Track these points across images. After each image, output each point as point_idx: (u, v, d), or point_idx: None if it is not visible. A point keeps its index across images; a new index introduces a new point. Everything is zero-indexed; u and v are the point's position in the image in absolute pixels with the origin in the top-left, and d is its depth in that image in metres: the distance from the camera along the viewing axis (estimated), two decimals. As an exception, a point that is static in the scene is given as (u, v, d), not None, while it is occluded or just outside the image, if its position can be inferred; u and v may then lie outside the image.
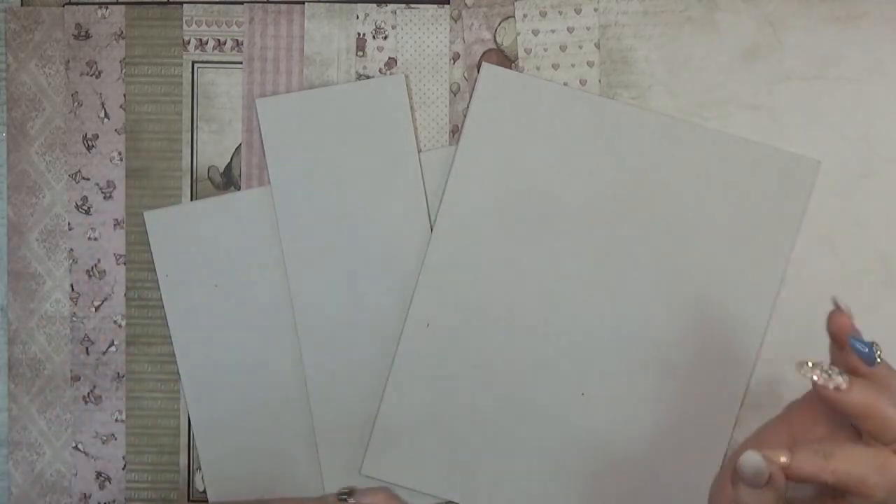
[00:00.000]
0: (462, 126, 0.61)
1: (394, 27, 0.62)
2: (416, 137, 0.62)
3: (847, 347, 0.45)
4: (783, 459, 0.42)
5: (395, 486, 0.60)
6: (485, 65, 0.61)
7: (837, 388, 0.43)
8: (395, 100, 0.61)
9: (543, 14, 0.62)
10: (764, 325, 0.60)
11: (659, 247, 0.60)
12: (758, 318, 0.60)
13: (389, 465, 0.60)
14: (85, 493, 0.62)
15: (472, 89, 0.60)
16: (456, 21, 0.62)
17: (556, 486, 0.60)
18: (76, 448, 0.62)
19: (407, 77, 0.62)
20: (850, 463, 0.41)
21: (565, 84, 0.61)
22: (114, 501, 0.63)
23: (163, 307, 0.62)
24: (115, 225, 0.63)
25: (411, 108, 0.62)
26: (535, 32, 0.62)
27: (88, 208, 0.62)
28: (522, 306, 0.60)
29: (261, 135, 0.61)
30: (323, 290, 0.61)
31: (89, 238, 0.63)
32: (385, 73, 0.62)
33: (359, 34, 0.62)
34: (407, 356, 0.60)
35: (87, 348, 0.63)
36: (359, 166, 0.61)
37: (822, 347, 0.61)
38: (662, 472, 0.60)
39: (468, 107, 0.60)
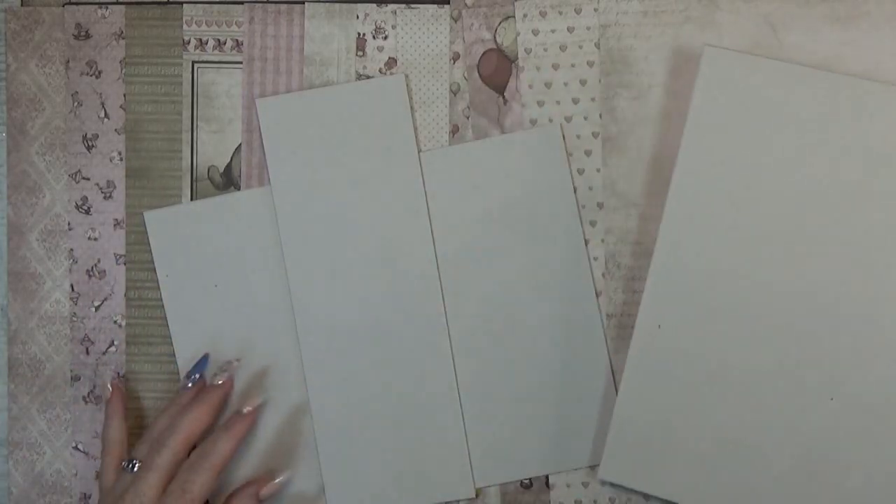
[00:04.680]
0: (687, 116, 0.57)
1: (394, 27, 0.62)
2: (416, 137, 0.62)
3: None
4: None
5: (633, 491, 0.59)
6: (707, 48, 0.56)
7: None
8: (395, 100, 0.61)
9: (543, 14, 0.62)
10: None
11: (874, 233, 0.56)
12: None
13: (627, 470, 0.57)
14: (85, 493, 0.62)
15: (696, 75, 0.56)
16: (456, 21, 0.62)
17: (803, 501, 0.56)
18: (76, 448, 0.62)
19: (407, 77, 0.62)
20: None
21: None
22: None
23: (163, 307, 0.62)
24: (115, 225, 0.63)
25: (411, 108, 0.62)
26: (535, 32, 0.62)
27: (88, 208, 0.62)
28: (761, 305, 0.56)
29: (261, 135, 0.61)
30: (323, 289, 0.61)
31: (89, 238, 0.63)
32: (385, 73, 0.62)
33: (359, 34, 0.62)
34: (640, 359, 0.57)
35: (87, 348, 0.63)
36: (359, 166, 0.61)
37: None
38: None
39: (693, 95, 0.56)
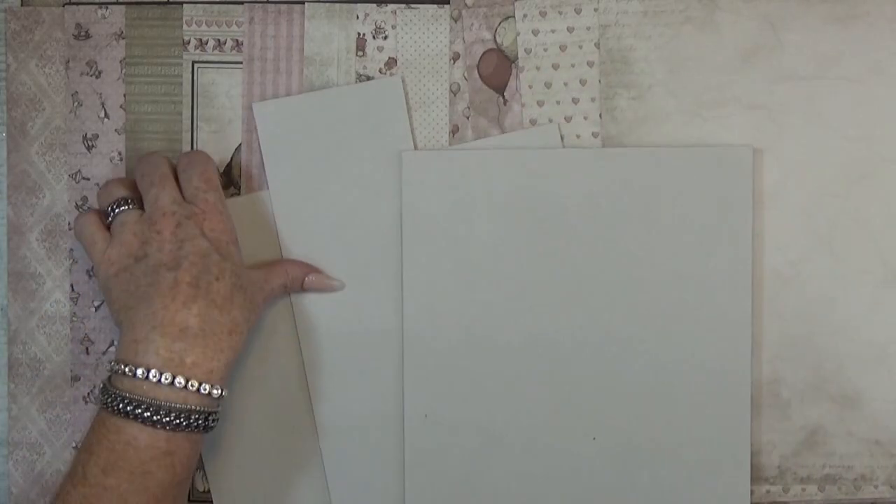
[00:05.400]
0: (401, 218, 0.60)
1: (394, 27, 0.62)
2: (414, 139, 0.62)
3: None
4: None
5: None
6: (404, 153, 0.60)
7: None
8: (393, 102, 0.61)
9: (543, 14, 0.62)
10: (748, 322, 0.60)
11: (629, 275, 0.60)
12: (741, 322, 0.60)
13: None
14: (85, 493, 0.62)
15: (401, 178, 0.60)
16: (456, 21, 0.62)
17: None
18: (76, 448, 0.62)
19: (404, 80, 0.62)
20: None
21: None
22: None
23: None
24: (115, 225, 0.62)
25: (408, 109, 0.62)
26: (535, 32, 0.62)
27: (88, 208, 0.62)
28: (514, 368, 0.60)
29: (258, 139, 0.61)
30: (323, 294, 0.61)
31: (89, 238, 0.62)
32: (385, 73, 0.62)
33: (359, 34, 0.62)
34: (415, 449, 0.60)
35: (87, 348, 0.63)
36: (357, 169, 0.61)
37: (823, 346, 0.61)
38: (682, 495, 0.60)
39: (402, 195, 0.60)
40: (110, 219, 0.57)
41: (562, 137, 0.61)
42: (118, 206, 0.57)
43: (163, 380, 0.51)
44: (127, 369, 0.52)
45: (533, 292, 0.60)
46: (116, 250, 0.55)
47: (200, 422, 0.52)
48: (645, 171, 0.60)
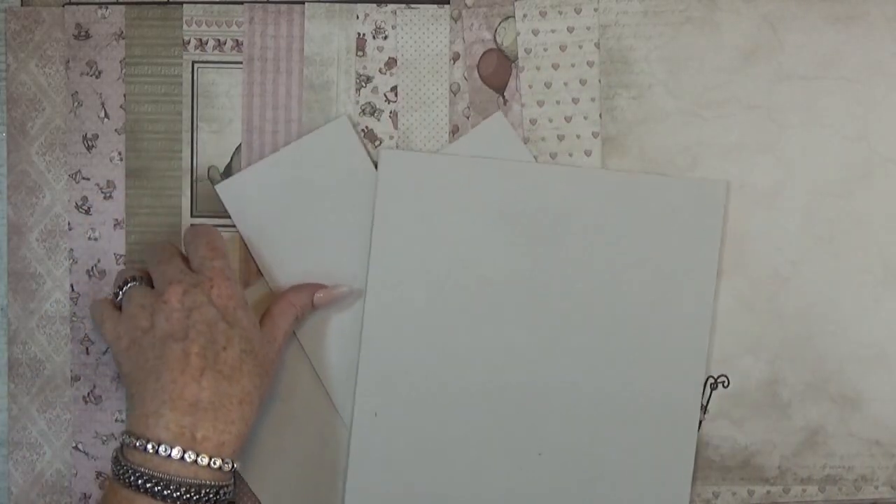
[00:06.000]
0: (373, 214, 0.60)
1: (394, 27, 0.62)
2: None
3: None
4: None
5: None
6: (383, 151, 0.60)
7: None
8: (347, 142, 0.61)
9: (543, 14, 0.62)
10: (703, 355, 0.60)
11: (588, 296, 0.60)
12: (697, 353, 0.60)
13: None
14: (85, 493, 0.62)
15: (377, 175, 0.59)
16: (456, 21, 0.62)
17: None
18: (76, 448, 0.62)
19: (350, 117, 0.62)
20: None
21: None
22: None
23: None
24: (115, 225, 0.63)
25: (366, 149, 0.61)
26: (535, 32, 0.62)
27: (88, 208, 0.62)
28: (464, 380, 0.60)
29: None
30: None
31: (89, 238, 0.63)
32: (385, 73, 0.62)
33: (359, 34, 0.62)
34: (361, 447, 0.60)
35: (87, 348, 0.63)
36: (333, 216, 0.61)
37: (823, 346, 0.61)
38: None
39: (376, 197, 0.59)
40: (119, 297, 0.57)
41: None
42: (126, 284, 0.57)
43: (173, 454, 0.51)
44: (138, 443, 0.52)
45: (492, 303, 0.60)
46: (125, 324, 0.56)
47: (212, 495, 0.52)
48: (620, 196, 0.60)
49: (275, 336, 0.57)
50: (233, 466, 0.53)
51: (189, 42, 0.62)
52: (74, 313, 0.63)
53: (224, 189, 0.61)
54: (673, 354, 0.60)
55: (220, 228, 0.60)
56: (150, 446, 0.51)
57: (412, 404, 0.60)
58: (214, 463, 0.52)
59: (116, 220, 0.63)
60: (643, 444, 0.60)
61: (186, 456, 0.51)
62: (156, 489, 0.51)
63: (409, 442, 0.60)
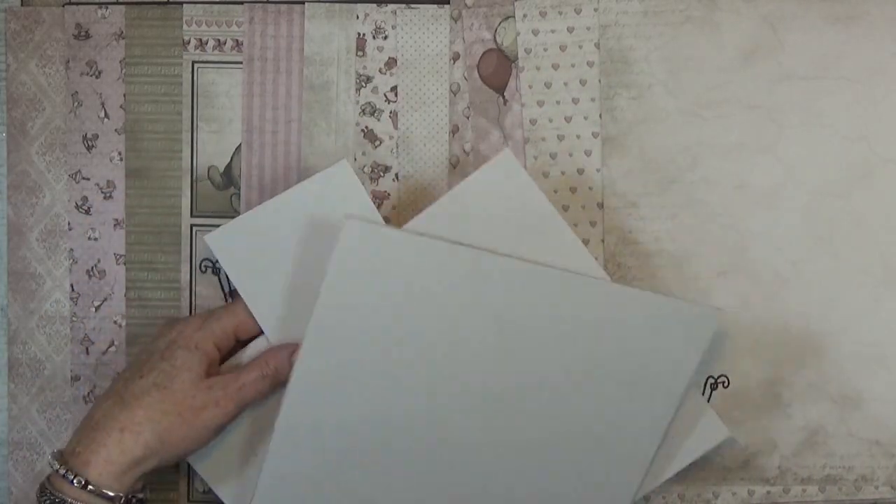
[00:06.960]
0: (323, 283, 0.55)
1: (394, 27, 0.62)
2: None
3: None
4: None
5: None
6: (348, 221, 0.55)
7: None
8: (347, 187, 0.58)
9: (543, 14, 0.62)
10: (644, 470, 0.58)
11: (542, 400, 0.57)
12: (634, 473, 0.58)
13: None
14: (85, 493, 0.62)
15: (337, 244, 0.55)
16: (456, 21, 0.62)
17: None
18: (76, 448, 0.62)
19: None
20: None
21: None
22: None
23: (161, 307, 0.62)
24: (115, 225, 0.63)
25: (366, 191, 0.58)
26: (535, 32, 0.62)
27: (88, 208, 0.62)
28: (382, 470, 0.57)
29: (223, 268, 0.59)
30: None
31: (89, 238, 0.63)
32: (385, 73, 0.62)
33: (359, 34, 0.62)
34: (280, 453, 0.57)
35: (87, 348, 0.63)
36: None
37: (823, 346, 0.61)
38: None
39: (330, 264, 0.55)
40: None
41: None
42: None
43: (59, 468, 0.53)
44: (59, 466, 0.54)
45: (430, 386, 0.57)
46: None
47: None
48: (603, 305, 0.56)
49: (229, 383, 0.56)
50: (109, 497, 0.52)
51: (189, 42, 0.62)
52: (74, 313, 0.63)
53: (214, 240, 0.58)
54: (609, 467, 0.57)
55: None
56: (55, 464, 0.54)
57: (322, 473, 0.57)
58: (78, 481, 0.52)
59: (116, 220, 0.63)
60: None
61: (66, 473, 0.52)
62: None
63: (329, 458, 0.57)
